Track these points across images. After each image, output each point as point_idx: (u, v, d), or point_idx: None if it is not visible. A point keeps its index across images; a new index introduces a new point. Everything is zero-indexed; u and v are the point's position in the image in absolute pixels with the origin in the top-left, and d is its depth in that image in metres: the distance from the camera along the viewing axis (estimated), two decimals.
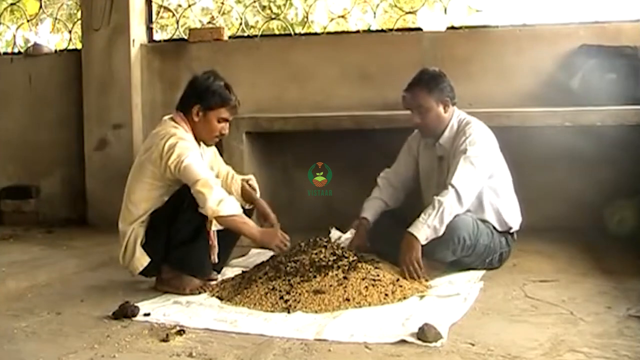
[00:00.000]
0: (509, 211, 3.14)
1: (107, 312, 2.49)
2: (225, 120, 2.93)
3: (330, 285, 2.59)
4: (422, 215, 2.85)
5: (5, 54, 5.60)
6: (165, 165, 2.74)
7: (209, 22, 5.93)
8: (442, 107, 3.11)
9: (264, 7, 6.31)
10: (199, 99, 2.87)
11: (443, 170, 3.14)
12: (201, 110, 2.87)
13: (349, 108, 4.31)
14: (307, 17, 5.29)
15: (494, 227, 3.09)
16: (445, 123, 3.14)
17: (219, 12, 5.98)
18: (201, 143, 2.97)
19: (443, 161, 3.17)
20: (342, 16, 5.36)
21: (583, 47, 4.07)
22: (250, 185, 3.16)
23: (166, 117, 2.97)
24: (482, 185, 3.01)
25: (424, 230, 2.83)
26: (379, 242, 3.15)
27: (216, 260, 2.85)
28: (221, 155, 3.94)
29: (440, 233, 2.84)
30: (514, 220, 3.17)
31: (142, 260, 2.83)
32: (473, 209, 3.03)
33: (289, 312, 2.46)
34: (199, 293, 2.79)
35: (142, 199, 2.84)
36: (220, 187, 2.76)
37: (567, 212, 4.02)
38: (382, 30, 4.79)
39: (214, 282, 2.91)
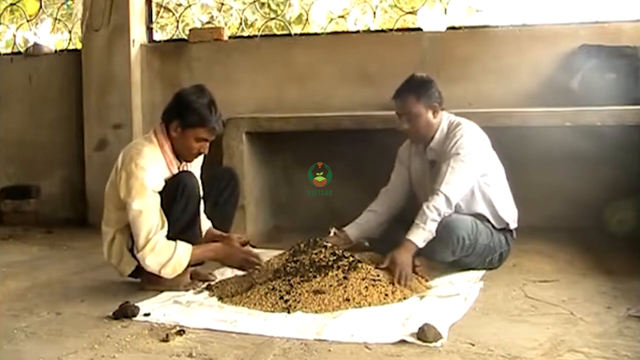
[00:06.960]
0: (503, 206, 3.14)
1: (107, 312, 2.49)
2: (204, 140, 2.84)
3: (330, 285, 2.59)
4: (416, 221, 2.90)
5: (5, 54, 5.59)
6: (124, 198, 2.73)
7: (208, 22, 5.92)
8: (431, 112, 3.10)
9: (262, 4, 6.29)
10: (179, 115, 2.80)
11: (435, 174, 3.13)
12: (179, 127, 2.79)
13: (349, 108, 4.31)
14: (306, 16, 5.28)
15: (493, 226, 3.09)
16: (434, 128, 3.13)
17: (219, 11, 5.97)
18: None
19: (435, 165, 3.16)
20: (342, 16, 5.35)
21: (583, 47, 4.07)
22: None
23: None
24: (471, 185, 3.03)
25: (420, 233, 2.87)
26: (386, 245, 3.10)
27: None
28: (221, 155, 3.98)
29: (434, 234, 2.88)
30: (510, 216, 3.17)
31: (130, 264, 2.82)
32: (465, 203, 3.05)
33: (289, 312, 2.46)
34: (193, 288, 2.82)
35: (118, 207, 2.80)
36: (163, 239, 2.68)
37: (567, 212, 4.02)
38: (382, 30, 4.78)
39: (211, 282, 2.92)
